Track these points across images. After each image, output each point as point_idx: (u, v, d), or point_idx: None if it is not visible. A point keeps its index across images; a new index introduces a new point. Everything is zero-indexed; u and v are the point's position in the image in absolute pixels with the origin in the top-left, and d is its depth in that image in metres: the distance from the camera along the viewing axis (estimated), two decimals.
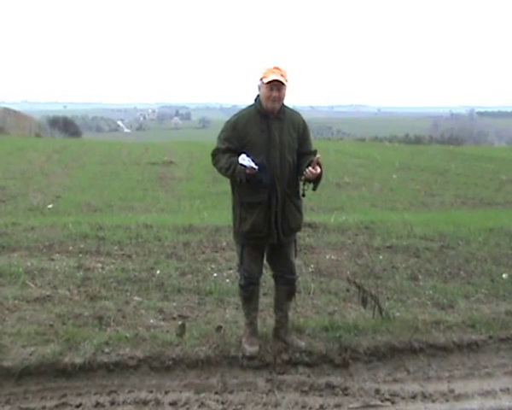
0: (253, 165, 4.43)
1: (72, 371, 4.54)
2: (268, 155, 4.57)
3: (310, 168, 4.50)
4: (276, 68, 4.56)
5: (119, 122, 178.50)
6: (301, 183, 4.72)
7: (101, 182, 17.72)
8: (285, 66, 4.58)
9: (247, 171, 4.43)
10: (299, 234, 5.15)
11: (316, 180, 4.61)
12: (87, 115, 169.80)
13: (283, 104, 4.69)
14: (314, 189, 4.72)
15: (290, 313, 5.22)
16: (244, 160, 4.45)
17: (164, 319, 5.49)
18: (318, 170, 4.51)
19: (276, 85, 4.53)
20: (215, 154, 4.76)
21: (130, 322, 5.35)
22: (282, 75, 4.52)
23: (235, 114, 4.82)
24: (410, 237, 8.79)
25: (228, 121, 4.79)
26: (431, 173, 21.24)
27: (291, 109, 4.81)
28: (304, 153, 4.72)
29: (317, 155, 4.55)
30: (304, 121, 4.83)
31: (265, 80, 4.53)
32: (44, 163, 22.48)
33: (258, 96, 4.71)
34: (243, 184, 4.54)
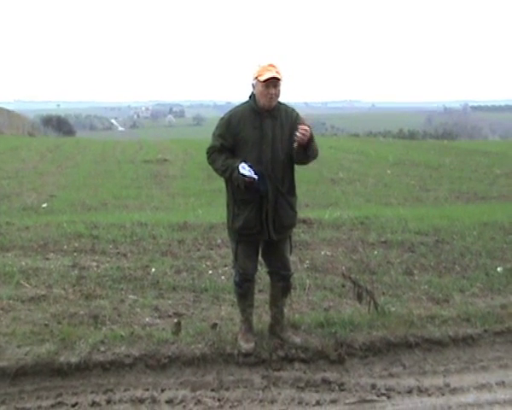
0: (252, 175, 4.43)
1: (68, 371, 4.53)
2: (260, 152, 4.58)
3: (300, 129, 4.43)
4: (271, 66, 4.56)
5: (113, 120, 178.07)
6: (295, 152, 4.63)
7: (96, 180, 17.70)
8: (278, 62, 4.58)
9: (247, 179, 4.44)
10: (293, 230, 5.14)
11: (308, 143, 4.52)
12: (81, 114, 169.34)
13: (278, 101, 4.69)
14: (311, 155, 4.63)
15: (286, 310, 5.22)
16: (244, 169, 4.45)
17: (159, 317, 5.48)
18: (308, 129, 4.44)
19: (273, 83, 4.53)
20: (211, 152, 4.76)
21: (125, 320, 5.34)
22: (277, 72, 4.52)
23: (229, 111, 4.81)
24: (405, 232, 8.80)
25: (222, 118, 4.79)
26: (425, 168, 21.28)
27: (285, 105, 4.80)
28: None
29: (303, 118, 4.54)
30: (297, 114, 4.79)
31: (262, 78, 4.51)
32: (38, 162, 22.43)
33: (252, 93, 4.70)
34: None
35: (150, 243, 7.99)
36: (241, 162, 4.49)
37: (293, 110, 4.81)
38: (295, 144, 4.51)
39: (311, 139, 4.51)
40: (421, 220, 9.64)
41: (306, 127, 4.45)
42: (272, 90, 4.54)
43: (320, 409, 4.29)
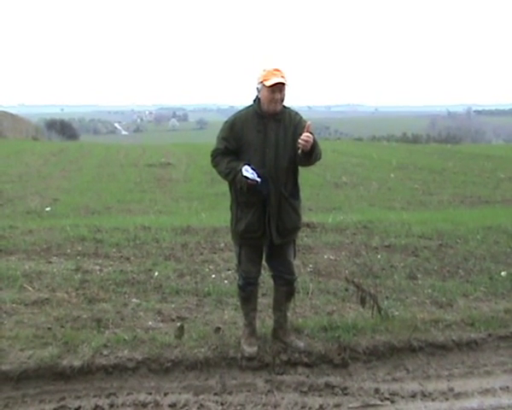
0: (255, 177, 4.43)
1: (71, 374, 4.52)
2: (264, 156, 4.57)
3: (302, 136, 4.39)
4: (277, 70, 4.54)
5: (117, 124, 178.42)
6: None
7: (99, 184, 17.75)
8: (282, 66, 4.57)
9: (249, 182, 4.44)
10: (297, 234, 5.12)
11: (312, 149, 4.48)
12: (84, 118, 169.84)
13: (282, 105, 4.68)
14: (314, 159, 4.57)
15: (289, 314, 5.21)
16: (247, 171, 4.45)
17: (162, 321, 5.47)
18: (311, 136, 4.41)
19: (278, 87, 4.51)
20: (215, 155, 4.75)
21: (128, 324, 5.33)
22: (282, 77, 4.51)
23: (234, 115, 4.80)
24: (409, 236, 8.79)
25: (226, 121, 4.78)
26: (429, 172, 21.29)
27: (289, 109, 4.78)
28: None
29: (308, 123, 4.52)
30: (300, 117, 4.75)
31: (267, 83, 4.49)
32: (42, 166, 22.50)
33: (257, 97, 4.69)
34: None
35: (153, 246, 8.00)
36: (244, 165, 4.49)
37: (296, 114, 4.78)
38: (299, 151, 4.50)
39: (314, 146, 4.49)
40: (424, 224, 9.64)
41: (309, 134, 4.42)
42: (278, 95, 4.53)
43: None
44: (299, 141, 4.41)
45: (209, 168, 5.04)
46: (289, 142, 4.61)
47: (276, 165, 4.59)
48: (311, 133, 4.44)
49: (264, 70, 4.57)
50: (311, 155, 4.52)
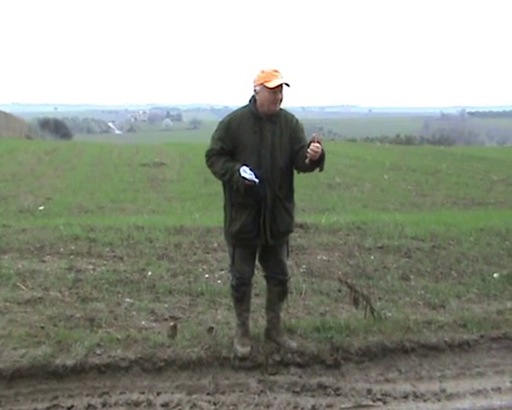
0: (253, 178, 4.43)
1: (64, 373, 4.52)
2: (259, 157, 4.56)
3: (312, 146, 4.36)
4: (276, 71, 4.52)
5: (110, 124, 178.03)
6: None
7: (93, 184, 17.70)
8: (280, 67, 4.57)
9: (247, 183, 4.43)
10: (290, 235, 5.13)
11: (320, 159, 4.45)
12: (78, 117, 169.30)
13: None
14: (321, 169, 4.58)
15: (282, 314, 5.21)
16: (245, 172, 4.44)
17: (155, 321, 5.48)
18: (320, 147, 4.37)
19: (279, 88, 4.51)
20: (209, 155, 4.73)
21: (121, 323, 5.33)
22: (282, 77, 4.50)
23: (229, 115, 4.77)
24: (402, 238, 8.81)
25: (221, 121, 4.76)
26: (422, 174, 21.33)
27: (285, 111, 4.77)
28: (301, 147, 4.61)
29: (315, 135, 4.47)
30: (297, 120, 4.76)
31: (270, 85, 4.45)
32: (35, 165, 22.43)
33: (253, 97, 4.67)
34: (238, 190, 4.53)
35: (147, 246, 7.99)
36: (242, 166, 4.48)
37: (292, 116, 4.78)
38: (307, 160, 4.45)
39: (322, 156, 4.45)
40: (417, 226, 9.66)
41: (318, 144, 4.37)
42: (279, 96, 4.53)
43: None
44: (309, 151, 4.37)
45: (202, 168, 5.03)
46: (285, 144, 4.61)
47: (272, 166, 4.59)
48: (319, 143, 4.41)
49: (263, 71, 4.55)
50: (318, 164, 4.51)
